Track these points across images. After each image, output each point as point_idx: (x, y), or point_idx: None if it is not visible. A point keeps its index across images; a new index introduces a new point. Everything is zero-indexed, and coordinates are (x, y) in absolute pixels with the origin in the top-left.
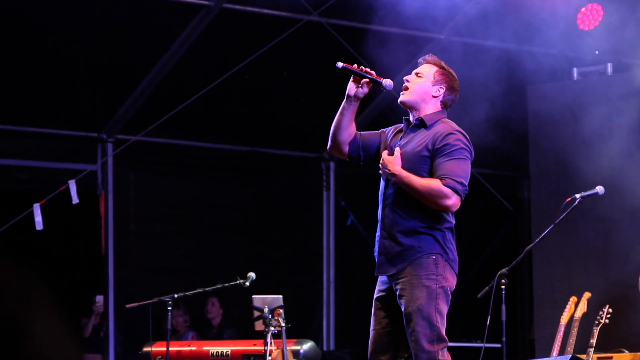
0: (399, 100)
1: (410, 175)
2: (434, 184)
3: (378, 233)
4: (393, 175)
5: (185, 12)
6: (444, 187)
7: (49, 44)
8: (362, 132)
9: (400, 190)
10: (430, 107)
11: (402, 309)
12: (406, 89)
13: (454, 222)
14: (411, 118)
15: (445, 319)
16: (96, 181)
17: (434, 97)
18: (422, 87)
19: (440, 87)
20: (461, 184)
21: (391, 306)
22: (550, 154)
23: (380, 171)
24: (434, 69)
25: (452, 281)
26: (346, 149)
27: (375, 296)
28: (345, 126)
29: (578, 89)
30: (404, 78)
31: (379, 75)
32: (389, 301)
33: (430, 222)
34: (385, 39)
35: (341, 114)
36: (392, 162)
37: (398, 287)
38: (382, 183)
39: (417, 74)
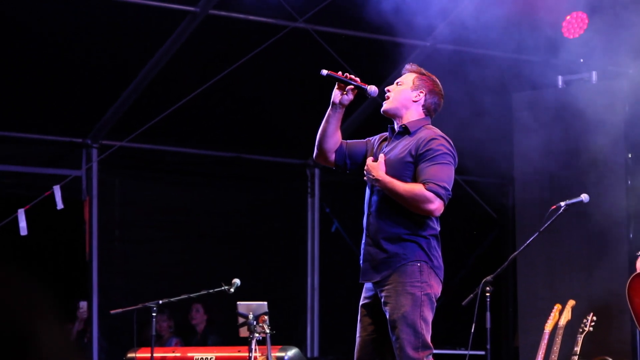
0: (381, 110)
1: (393, 180)
2: (417, 188)
3: (363, 240)
4: (377, 180)
5: (171, 18)
6: (427, 192)
7: (34, 50)
8: (347, 140)
9: (385, 198)
10: (413, 114)
11: (387, 316)
12: (388, 98)
13: (439, 229)
14: (395, 126)
15: (430, 326)
16: (81, 187)
17: (414, 102)
18: (402, 93)
19: (420, 92)
20: (444, 188)
21: (377, 313)
22: (535, 162)
23: (364, 177)
24: (413, 75)
25: (437, 288)
26: (332, 157)
27: (360, 303)
28: (331, 134)
29: (563, 97)
30: (386, 88)
31: (364, 82)
32: (375, 308)
33: (414, 229)
34: (371, 46)
35: (326, 121)
36: (376, 168)
37: (383, 294)
38: (367, 191)
39: (397, 82)
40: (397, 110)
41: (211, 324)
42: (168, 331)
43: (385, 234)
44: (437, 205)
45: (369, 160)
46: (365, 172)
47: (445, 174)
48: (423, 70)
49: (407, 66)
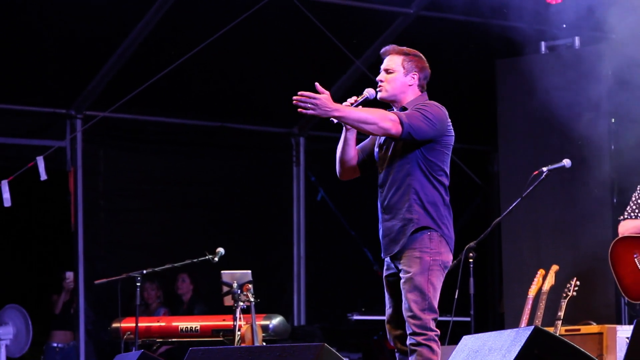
0: (378, 97)
1: (352, 108)
2: (379, 110)
3: (380, 218)
4: (337, 110)
5: None
6: (390, 113)
7: (17, 20)
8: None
9: (395, 173)
10: (410, 96)
11: (401, 282)
12: (381, 88)
13: (448, 198)
14: (394, 109)
15: (439, 293)
16: (65, 158)
17: (410, 85)
18: (397, 81)
19: (413, 74)
20: (411, 124)
21: (398, 288)
22: (518, 128)
23: (311, 111)
24: (400, 58)
25: (447, 256)
26: (357, 170)
27: (384, 275)
28: (352, 154)
29: (546, 63)
30: (377, 79)
31: (360, 95)
32: (395, 283)
33: (424, 198)
34: (354, 14)
35: (346, 144)
36: (329, 103)
37: (400, 266)
38: (379, 170)
39: (386, 70)
40: (395, 97)
41: (197, 293)
42: (156, 301)
43: (397, 204)
44: (393, 126)
45: (321, 96)
46: (314, 106)
47: (421, 119)
48: (406, 50)
49: (388, 48)
